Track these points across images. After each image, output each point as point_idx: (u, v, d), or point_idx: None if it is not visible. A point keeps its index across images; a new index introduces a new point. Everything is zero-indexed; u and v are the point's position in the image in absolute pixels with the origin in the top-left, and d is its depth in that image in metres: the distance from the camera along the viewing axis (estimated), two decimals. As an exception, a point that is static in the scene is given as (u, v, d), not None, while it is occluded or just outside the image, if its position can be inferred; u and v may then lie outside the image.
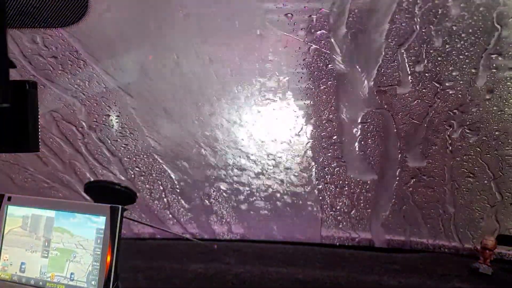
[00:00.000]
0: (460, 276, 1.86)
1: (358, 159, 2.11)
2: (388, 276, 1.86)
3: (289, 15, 1.80)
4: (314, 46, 1.86)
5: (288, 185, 2.23)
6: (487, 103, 1.83)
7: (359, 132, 2.05)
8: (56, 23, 0.95)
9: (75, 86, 2.10)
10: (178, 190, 2.33)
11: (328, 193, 2.21)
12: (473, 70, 1.77)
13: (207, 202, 2.35)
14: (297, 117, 2.07)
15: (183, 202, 2.36)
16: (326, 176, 2.17)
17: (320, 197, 2.22)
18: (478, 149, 1.94)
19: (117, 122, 2.18)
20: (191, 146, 2.19)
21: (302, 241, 2.29)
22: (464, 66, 1.77)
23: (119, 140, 2.22)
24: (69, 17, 0.94)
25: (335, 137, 2.08)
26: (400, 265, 2.00)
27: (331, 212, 2.24)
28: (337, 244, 2.26)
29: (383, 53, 1.83)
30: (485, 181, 1.99)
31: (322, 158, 2.14)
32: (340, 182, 2.17)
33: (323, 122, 2.06)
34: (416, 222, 2.17)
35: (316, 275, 1.88)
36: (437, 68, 1.80)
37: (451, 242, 2.13)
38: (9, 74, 0.84)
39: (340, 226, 2.25)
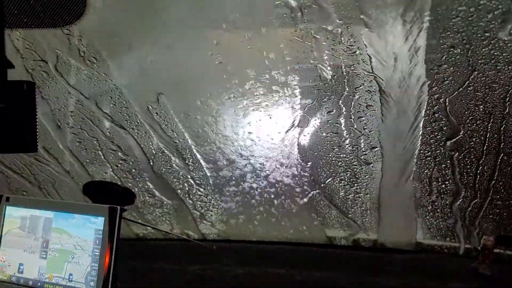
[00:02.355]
0: (459, 276, 1.86)
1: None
2: (387, 277, 1.86)
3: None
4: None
5: (287, 184, 2.23)
6: None
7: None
8: (54, 23, 0.95)
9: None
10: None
11: (327, 193, 2.21)
12: None
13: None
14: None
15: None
16: (324, 176, 2.18)
17: (319, 198, 2.22)
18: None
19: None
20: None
21: (301, 242, 2.28)
22: None
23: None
24: (67, 17, 0.94)
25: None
26: (400, 266, 1.99)
27: (330, 213, 2.24)
28: (336, 244, 2.26)
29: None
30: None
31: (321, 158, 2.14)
32: (338, 182, 2.17)
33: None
34: (415, 222, 2.16)
35: (315, 276, 1.88)
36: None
37: (451, 242, 2.13)
38: (6, 74, 0.84)
39: (339, 226, 2.25)
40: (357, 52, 1.93)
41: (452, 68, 1.86)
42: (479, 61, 1.81)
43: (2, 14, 0.83)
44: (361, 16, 1.85)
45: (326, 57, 1.95)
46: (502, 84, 1.81)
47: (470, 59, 1.82)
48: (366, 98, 2.00)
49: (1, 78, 0.85)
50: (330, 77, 1.99)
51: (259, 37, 1.98)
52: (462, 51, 1.82)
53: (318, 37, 1.92)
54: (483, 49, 1.80)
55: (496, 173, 1.96)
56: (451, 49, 1.82)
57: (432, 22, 1.81)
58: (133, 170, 2.28)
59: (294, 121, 2.12)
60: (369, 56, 1.91)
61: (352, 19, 1.86)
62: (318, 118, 2.09)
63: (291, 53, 1.99)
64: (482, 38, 1.78)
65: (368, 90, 1.99)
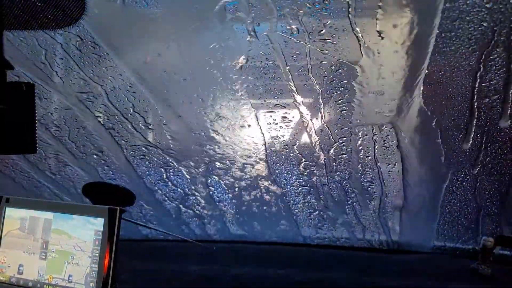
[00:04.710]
0: (459, 277, 1.86)
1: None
2: (387, 278, 1.86)
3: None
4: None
5: (287, 185, 2.23)
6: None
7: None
8: (53, 24, 0.95)
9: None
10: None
11: (326, 194, 2.21)
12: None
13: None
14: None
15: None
16: (324, 176, 2.17)
17: (318, 199, 2.22)
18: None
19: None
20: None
21: (301, 243, 2.29)
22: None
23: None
24: (66, 18, 0.94)
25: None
26: (399, 266, 1.99)
27: (329, 213, 2.24)
28: (336, 245, 2.26)
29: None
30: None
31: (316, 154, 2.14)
32: (338, 183, 2.17)
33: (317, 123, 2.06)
34: (415, 223, 2.16)
35: (315, 277, 1.88)
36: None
37: (450, 243, 2.13)
38: (6, 75, 0.84)
39: (339, 227, 2.25)
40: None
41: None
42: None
43: (0, 16, 0.83)
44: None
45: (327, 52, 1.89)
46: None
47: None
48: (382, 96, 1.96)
49: (0, 79, 0.86)
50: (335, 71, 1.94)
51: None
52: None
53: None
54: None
55: (496, 173, 1.96)
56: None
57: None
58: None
59: (303, 119, 2.08)
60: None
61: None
62: (327, 115, 2.05)
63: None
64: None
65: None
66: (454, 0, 1.62)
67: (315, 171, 2.17)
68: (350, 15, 1.71)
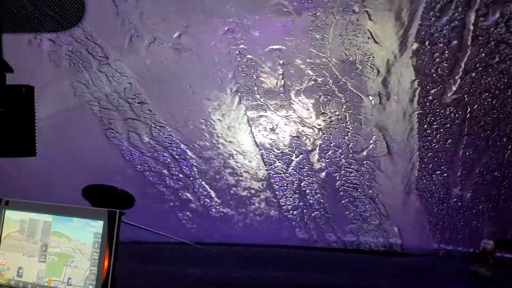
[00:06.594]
0: (459, 279, 1.86)
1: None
2: (387, 280, 1.86)
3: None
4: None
5: (287, 187, 2.23)
6: None
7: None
8: (53, 27, 0.95)
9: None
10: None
11: (325, 197, 2.21)
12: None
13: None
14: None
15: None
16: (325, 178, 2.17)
17: (318, 201, 2.22)
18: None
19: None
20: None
21: (301, 245, 2.28)
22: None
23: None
24: (65, 21, 0.94)
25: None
26: (399, 269, 1.99)
27: (329, 216, 2.23)
28: (336, 247, 2.26)
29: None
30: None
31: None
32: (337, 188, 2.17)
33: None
34: (415, 226, 2.16)
35: (315, 279, 1.87)
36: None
37: (451, 245, 2.12)
38: (5, 78, 0.84)
39: (339, 229, 2.24)
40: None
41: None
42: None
43: (0, 19, 0.83)
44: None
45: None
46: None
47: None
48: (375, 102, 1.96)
49: None
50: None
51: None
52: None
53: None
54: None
55: (497, 176, 1.96)
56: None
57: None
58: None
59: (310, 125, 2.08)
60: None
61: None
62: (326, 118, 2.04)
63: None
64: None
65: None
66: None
67: (315, 174, 2.17)
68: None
